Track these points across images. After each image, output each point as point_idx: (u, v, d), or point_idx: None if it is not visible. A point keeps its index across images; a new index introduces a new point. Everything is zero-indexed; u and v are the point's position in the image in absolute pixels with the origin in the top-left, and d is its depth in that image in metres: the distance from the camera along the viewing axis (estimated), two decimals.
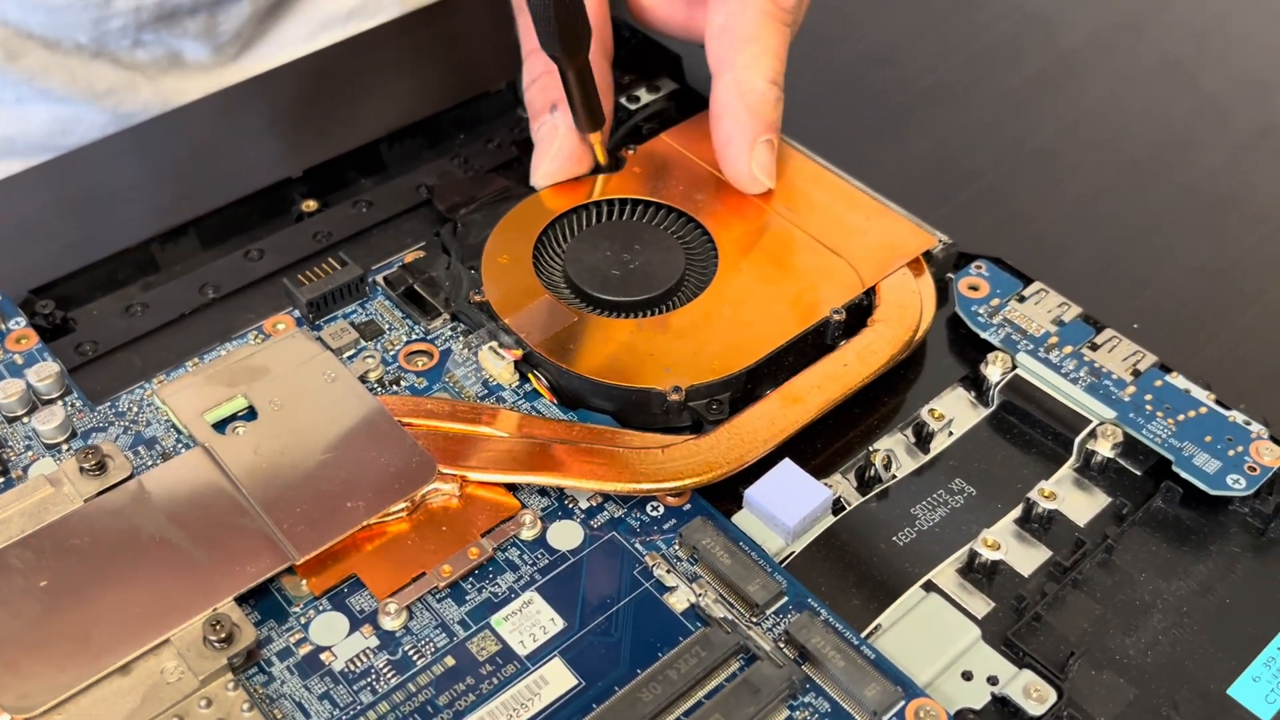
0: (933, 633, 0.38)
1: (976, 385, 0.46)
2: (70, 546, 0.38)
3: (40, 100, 0.61)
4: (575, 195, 0.49)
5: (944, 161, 0.57)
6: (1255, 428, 0.42)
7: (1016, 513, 0.42)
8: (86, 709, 0.35)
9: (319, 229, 0.51)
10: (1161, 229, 0.54)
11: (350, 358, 0.45)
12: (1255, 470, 0.41)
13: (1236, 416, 0.43)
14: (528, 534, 0.40)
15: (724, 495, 0.42)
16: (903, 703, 0.36)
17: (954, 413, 0.45)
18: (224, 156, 0.56)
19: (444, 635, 0.38)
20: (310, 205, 0.53)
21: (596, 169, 0.50)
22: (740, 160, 0.48)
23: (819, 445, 0.44)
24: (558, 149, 0.49)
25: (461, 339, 0.46)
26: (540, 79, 0.50)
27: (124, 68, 0.61)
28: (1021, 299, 0.47)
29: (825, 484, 0.42)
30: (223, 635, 0.36)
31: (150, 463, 0.42)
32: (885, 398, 0.46)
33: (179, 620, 0.36)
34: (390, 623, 0.38)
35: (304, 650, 0.37)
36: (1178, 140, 0.59)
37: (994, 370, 0.45)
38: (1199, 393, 0.44)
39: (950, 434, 0.44)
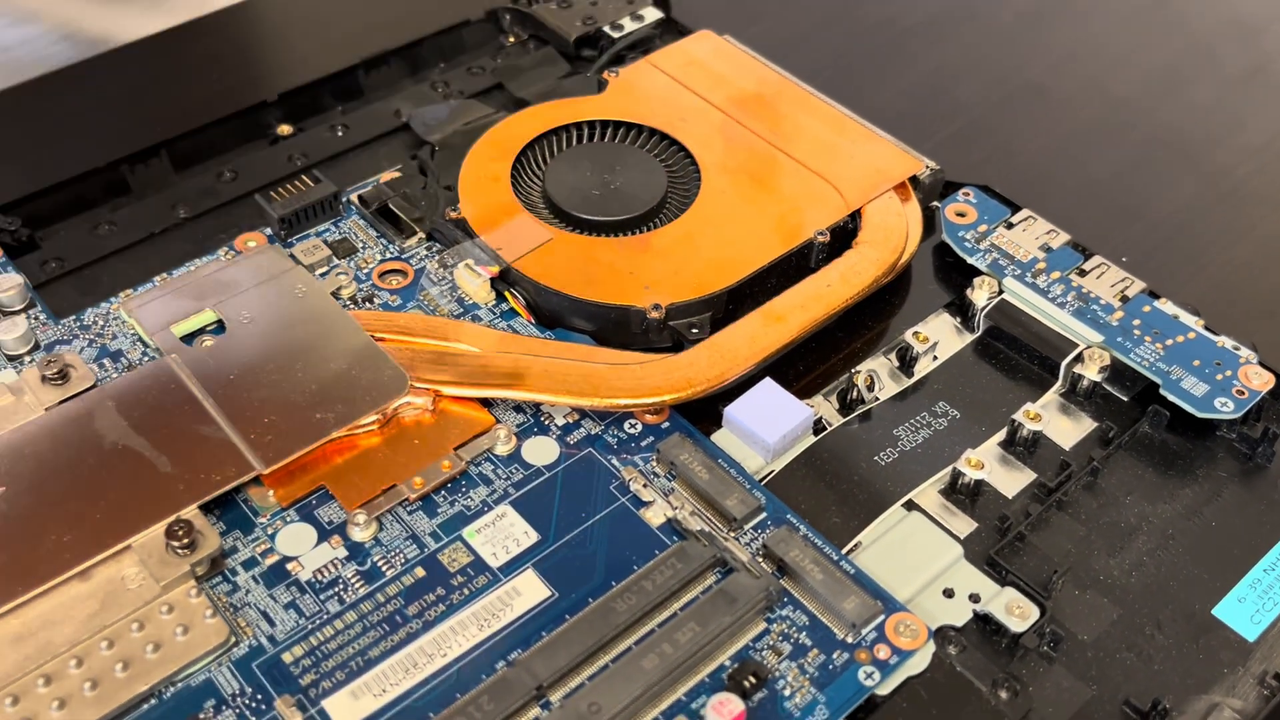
0: (914, 550, 0.38)
1: (963, 311, 0.45)
2: (31, 454, 0.37)
3: None
4: (556, 117, 0.48)
5: (933, 95, 0.56)
6: (1244, 352, 0.42)
7: (1001, 435, 0.41)
8: (45, 614, 0.34)
9: (293, 151, 0.50)
10: (1150, 164, 0.53)
11: (322, 275, 0.44)
12: (1244, 394, 0.41)
13: (1225, 341, 0.42)
14: (502, 449, 0.39)
15: (704, 415, 0.41)
16: (882, 617, 0.35)
17: (939, 336, 0.44)
18: (198, 81, 0.55)
19: (414, 546, 0.37)
20: (285, 129, 0.52)
21: None
22: None
23: (801, 369, 0.43)
24: None
25: (436, 257, 0.45)
26: None
27: None
28: (1009, 225, 0.46)
29: (807, 404, 0.41)
30: (185, 541, 0.35)
31: (115, 375, 0.41)
32: (869, 322, 0.45)
33: (141, 527, 0.35)
34: (359, 534, 0.37)
35: (270, 560, 0.36)
36: (1168, 78, 0.58)
37: (980, 294, 0.44)
38: (1187, 318, 0.43)
39: (934, 358, 0.43)
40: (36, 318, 0.42)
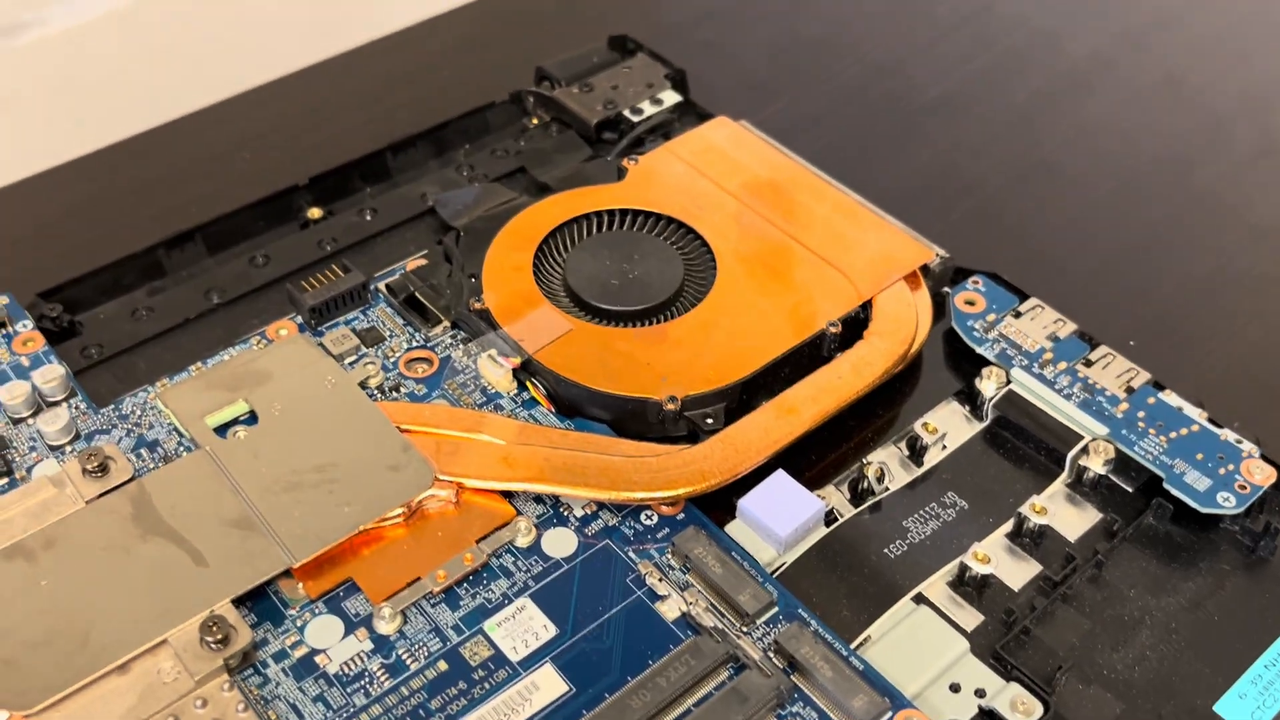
0: (922, 645, 0.39)
1: (971, 400, 0.46)
2: (71, 547, 0.39)
3: None
4: (576, 205, 0.50)
5: (946, 174, 0.58)
6: (1246, 446, 0.43)
7: (1008, 527, 0.42)
8: (84, 707, 0.35)
9: (323, 236, 0.52)
10: (1161, 244, 0.55)
11: (351, 364, 0.45)
12: (1245, 489, 0.41)
13: (1228, 435, 0.43)
14: (522, 541, 0.40)
15: (718, 505, 0.42)
16: (889, 714, 0.36)
17: (948, 427, 0.45)
18: (231, 164, 0.57)
19: (437, 640, 0.38)
20: (315, 213, 0.53)
21: None
22: None
23: (813, 457, 0.45)
24: None
25: (461, 347, 0.46)
26: None
27: None
28: (1017, 314, 0.47)
29: (818, 495, 0.42)
30: (219, 636, 0.36)
31: (152, 465, 0.42)
32: (880, 411, 0.46)
33: (176, 621, 0.37)
34: (385, 626, 0.38)
35: (299, 653, 0.38)
36: (1178, 157, 0.59)
37: (989, 385, 0.45)
38: (1191, 411, 0.44)
39: (944, 448, 0.45)
40: (77, 407, 0.44)
